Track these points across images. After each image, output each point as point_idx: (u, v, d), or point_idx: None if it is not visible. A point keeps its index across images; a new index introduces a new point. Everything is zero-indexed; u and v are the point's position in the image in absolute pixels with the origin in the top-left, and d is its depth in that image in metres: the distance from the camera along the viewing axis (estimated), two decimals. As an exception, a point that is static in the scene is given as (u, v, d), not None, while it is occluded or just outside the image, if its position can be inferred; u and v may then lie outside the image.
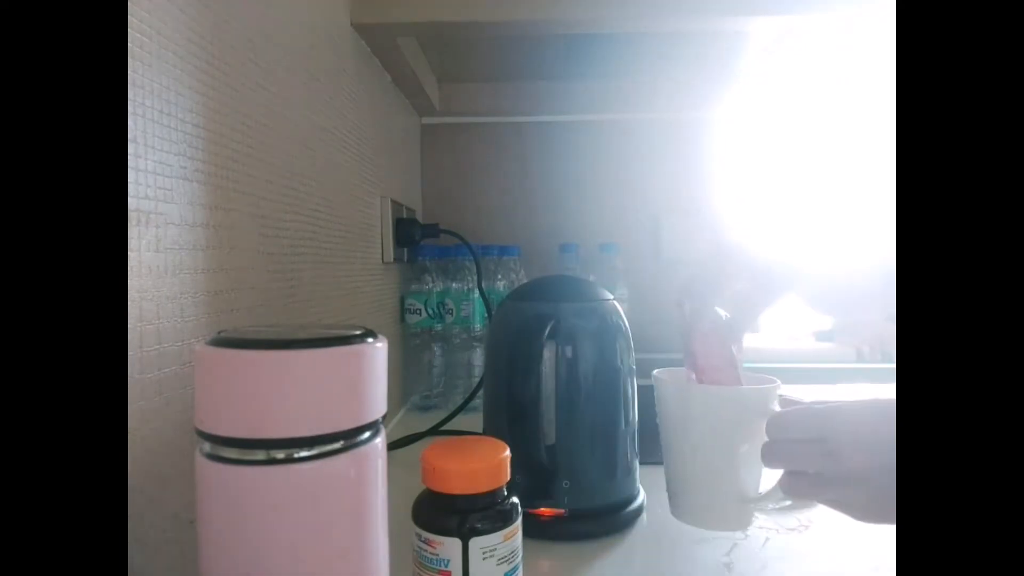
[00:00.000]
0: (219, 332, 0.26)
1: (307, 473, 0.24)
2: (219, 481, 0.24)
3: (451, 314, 0.94)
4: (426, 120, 1.16)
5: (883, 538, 0.50)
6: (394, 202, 0.88)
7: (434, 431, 0.79)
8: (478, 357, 0.95)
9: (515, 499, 0.37)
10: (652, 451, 0.49)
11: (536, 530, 0.49)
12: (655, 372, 0.49)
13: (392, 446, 0.74)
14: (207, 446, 0.24)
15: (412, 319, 0.93)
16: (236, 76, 0.44)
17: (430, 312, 0.93)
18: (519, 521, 0.36)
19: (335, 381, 0.24)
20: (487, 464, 0.35)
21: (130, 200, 0.32)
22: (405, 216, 0.94)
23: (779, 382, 0.45)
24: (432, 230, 0.93)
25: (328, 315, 0.63)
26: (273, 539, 0.23)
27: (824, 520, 0.53)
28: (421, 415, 0.90)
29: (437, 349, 0.94)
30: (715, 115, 1.14)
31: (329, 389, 0.24)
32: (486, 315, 0.91)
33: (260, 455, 0.23)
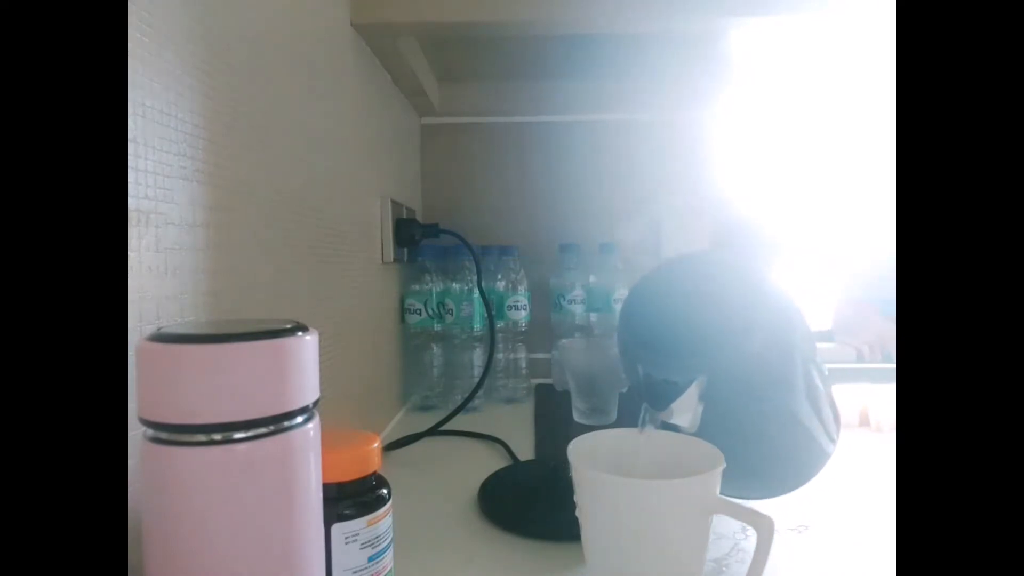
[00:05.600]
0: (158, 328, 0.28)
1: (242, 453, 0.26)
2: (163, 462, 0.25)
3: (451, 314, 0.94)
4: (426, 120, 1.16)
5: (883, 538, 0.50)
6: (394, 202, 0.88)
7: (434, 431, 0.79)
8: (478, 357, 0.95)
9: (384, 489, 0.38)
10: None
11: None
12: (569, 449, 0.42)
13: (392, 446, 0.75)
14: (150, 432, 0.26)
15: (412, 319, 0.93)
16: (236, 76, 0.44)
17: (430, 312, 0.93)
18: (385, 508, 0.37)
19: (265, 371, 0.26)
20: (354, 453, 0.37)
21: (130, 200, 0.32)
22: (405, 216, 0.94)
23: (723, 462, 0.39)
24: (432, 230, 0.93)
25: (328, 315, 0.63)
26: (212, 514, 0.25)
27: (824, 520, 0.53)
28: (421, 415, 0.90)
29: (437, 349, 0.94)
30: (715, 114, 1.14)
31: (260, 378, 0.26)
32: (486, 315, 0.91)
33: (201, 437, 0.25)
